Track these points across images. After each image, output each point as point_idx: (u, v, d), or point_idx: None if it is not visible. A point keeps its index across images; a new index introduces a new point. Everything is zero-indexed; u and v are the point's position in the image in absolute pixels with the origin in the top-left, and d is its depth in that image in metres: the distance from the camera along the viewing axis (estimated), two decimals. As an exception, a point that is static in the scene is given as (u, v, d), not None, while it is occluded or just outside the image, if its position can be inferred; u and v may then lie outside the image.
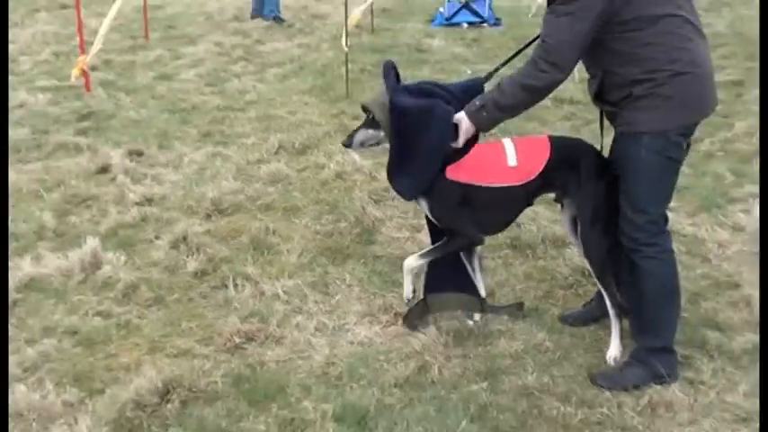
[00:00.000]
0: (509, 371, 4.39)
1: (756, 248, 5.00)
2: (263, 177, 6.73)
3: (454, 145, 4.30)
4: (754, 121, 7.93)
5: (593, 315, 4.84)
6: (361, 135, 4.63)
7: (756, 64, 9.95)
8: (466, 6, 12.25)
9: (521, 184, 4.35)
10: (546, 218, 5.90)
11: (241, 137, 7.71)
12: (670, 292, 4.35)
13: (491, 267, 5.35)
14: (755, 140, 7.49)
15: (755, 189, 6.46)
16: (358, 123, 7.72)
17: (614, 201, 4.27)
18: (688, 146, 4.26)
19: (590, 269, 4.53)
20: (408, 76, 9.47)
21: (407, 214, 6.10)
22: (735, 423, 4.02)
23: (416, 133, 4.29)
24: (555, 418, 4.05)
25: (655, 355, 4.31)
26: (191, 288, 5.15)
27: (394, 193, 6.27)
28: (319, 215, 6.11)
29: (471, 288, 4.75)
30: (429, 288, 4.77)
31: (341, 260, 5.50)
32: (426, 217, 4.68)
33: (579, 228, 4.44)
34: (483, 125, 4.27)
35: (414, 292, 4.68)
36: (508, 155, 4.36)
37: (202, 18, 12.56)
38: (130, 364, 4.40)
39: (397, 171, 4.48)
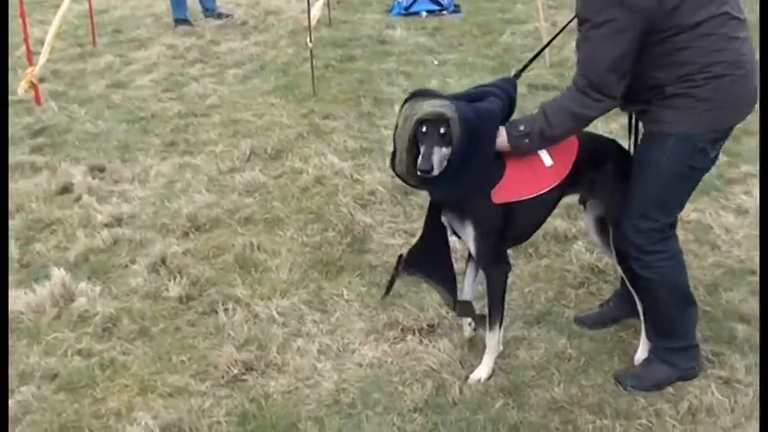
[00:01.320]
0: (534, 384, 4.09)
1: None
2: (238, 188, 6.29)
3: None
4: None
5: (612, 316, 4.56)
6: (438, 155, 3.74)
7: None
8: (424, -6, 11.88)
9: (557, 184, 3.96)
10: (544, 212, 5.56)
11: (208, 144, 7.24)
12: (682, 294, 4.08)
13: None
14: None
15: (752, 169, 6.26)
16: (330, 122, 7.54)
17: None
18: (718, 152, 3.92)
19: (623, 275, 4.19)
20: (375, 70, 9.17)
21: (398, 218, 5.75)
22: (781, 422, 3.77)
23: (476, 139, 3.79)
24: (592, 434, 3.76)
25: (676, 354, 4.08)
26: (177, 316, 4.73)
27: (381, 197, 5.99)
28: (304, 225, 5.69)
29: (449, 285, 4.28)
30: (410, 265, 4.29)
31: (334, 273, 5.11)
32: (430, 222, 4.20)
33: (611, 232, 4.10)
34: (521, 152, 3.87)
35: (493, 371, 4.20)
36: (541, 155, 3.93)
37: (150, 20, 11.97)
38: (121, 409, 3.99)
39: (447, 180, 3.83)
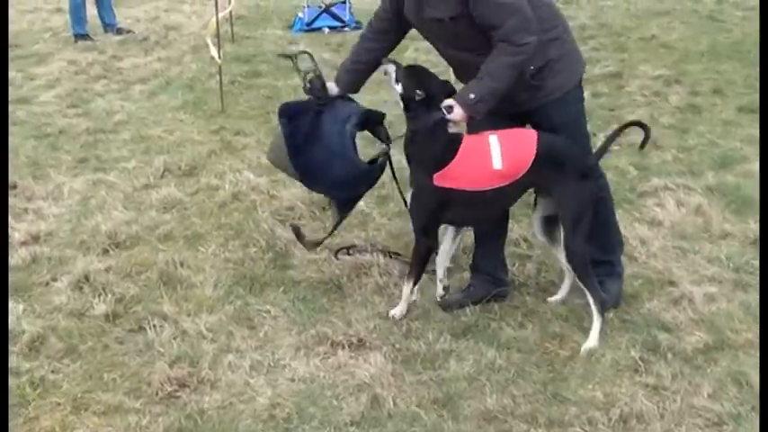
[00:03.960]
0: (466, 395, 4.17)
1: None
2: (155, 204, 6.25)
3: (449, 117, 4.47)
4: (642, 112, 7.98)
5: (472, 299, 4.96)
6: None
7: (627, 55, 10.09)
8: (326, 11, 11.95)
9: (507, 184, 4.43)
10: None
11: (120, 161, 7.17)
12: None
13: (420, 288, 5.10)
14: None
15: (662, 182, 6.46)
16: (241, 139, 7.55)
17: (596, 205, 4.58)
18: None
19: (572, 271, 4.62)
20: (281, 86, 9.21)
21: (318, 234, 5.76)
22: (708, 428, 3.94)
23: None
24: (527, 443, 3.85)
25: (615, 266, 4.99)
26: (104, 334, 4.68)
27: (300, 212, 6.05)
28: (225, 242, 5.70)
29: None
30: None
31: (259, 289, 5.13)
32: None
33: (562, 231, 4.50)
34: (479, 115, 4.45)
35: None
36: (493, 157, 4.39)
37: (48, 35, 11.79)
38: (55, 428, 3.94)
39: None
